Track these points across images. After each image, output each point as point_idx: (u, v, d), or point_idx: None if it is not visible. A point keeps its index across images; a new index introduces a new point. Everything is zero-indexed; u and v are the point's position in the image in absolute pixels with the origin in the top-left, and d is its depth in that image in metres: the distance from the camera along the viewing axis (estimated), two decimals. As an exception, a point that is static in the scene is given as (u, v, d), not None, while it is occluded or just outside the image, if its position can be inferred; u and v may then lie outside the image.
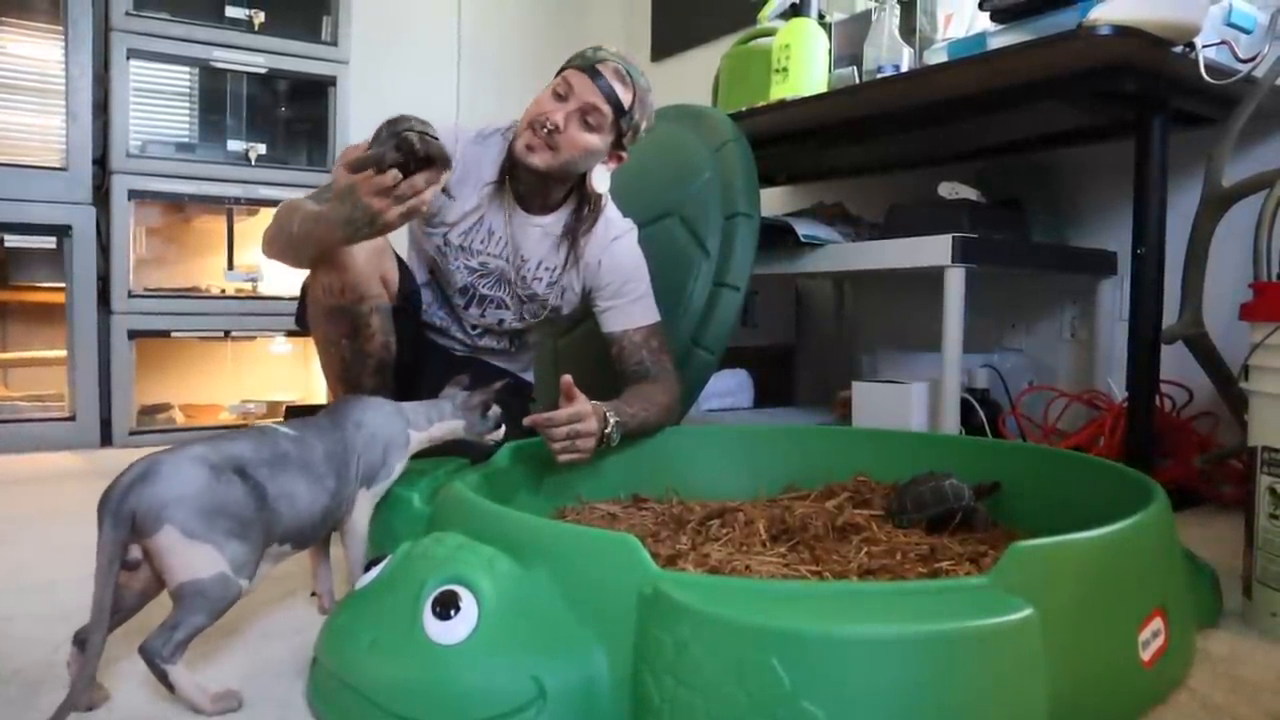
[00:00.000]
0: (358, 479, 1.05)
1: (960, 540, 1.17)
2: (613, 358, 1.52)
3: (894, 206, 1.99)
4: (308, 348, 2.73)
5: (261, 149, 2.66)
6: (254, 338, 2.73)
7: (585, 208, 1.50)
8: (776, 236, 1.97)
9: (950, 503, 1.22)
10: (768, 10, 2.24)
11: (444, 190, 1.40)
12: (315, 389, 2.85)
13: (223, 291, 2.66)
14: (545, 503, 1.37)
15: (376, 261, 1.38)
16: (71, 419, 2.41)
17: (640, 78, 1.43)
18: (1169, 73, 1.56)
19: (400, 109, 1.16)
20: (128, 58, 2.45)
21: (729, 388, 2.47)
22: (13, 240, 2.34)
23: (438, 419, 1.17)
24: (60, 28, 2.36)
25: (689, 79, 3.09)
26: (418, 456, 1.18)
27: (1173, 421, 1.83)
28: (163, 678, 0.81)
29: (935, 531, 1.21)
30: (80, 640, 0.82)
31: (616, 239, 1.53)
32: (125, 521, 0.81)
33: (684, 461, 1.52)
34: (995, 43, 1.63)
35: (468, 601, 0.78)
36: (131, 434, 2.49)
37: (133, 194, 2.47)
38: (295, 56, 2.67)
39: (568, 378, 1.25)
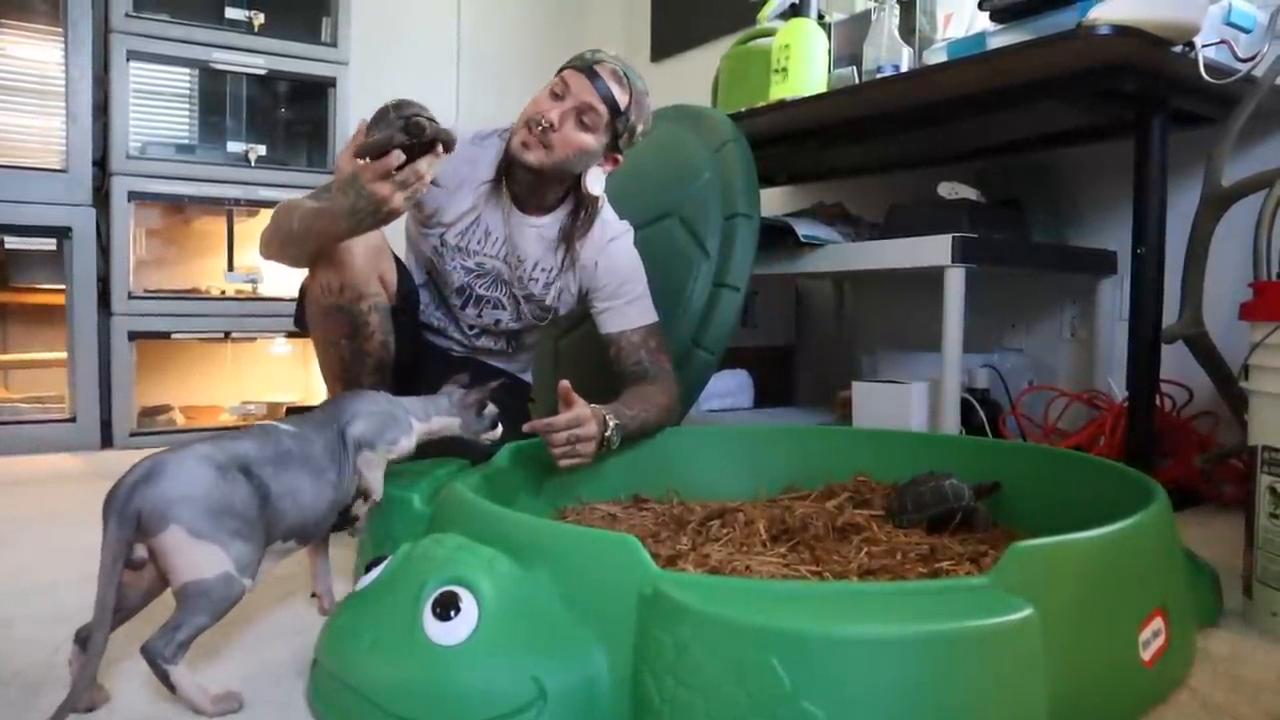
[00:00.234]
0: (355, 471, 1.05)
1: (960, 540, 1.17)
2: (611, 359, 1.52)
3: (894, 206, 1.99)
4: (308, 349, 2.73)
5: (261, 150, 2.66)
6: (254, 339, 2.73)
7: (581, 210, 1.50)
8: (776, 237, 1.97)
9: (950, 503, 1.22)
10: (767, 10, 2.24)
11: (433, 180, 1.41)
12: (315, 390, 2.85)
13: (223, 293, 2.66)
14: (545, 503, 1.37)
15: (375, 261, 1.38)
16: (72, 421, 2.41)
17: (638, 81, 1.43)
18: (1168, 72, 1.56)
19: (399, 109, 1.17)
20: (127, 59, 2.45)
21: (729, 388, 2.47)
22: (13, 242, 2.34)
23: (435, 413, 1.17)
24: (60, 29, 2.36)
25: (688, 79, 3.09)
26: (417, 457, 1.18)
27: (1173, 421, 1.83)
28: (164, 678, 0.81)
29: (935, 531, 1.21)
30: (82, 639, 0.82)
31: (613, 240, 1.53)
32: (130, 521, 0.81)
33: (684, 462, 1.52)
34: (995, 42, 1.63)
35: (468, 602, 0.78)
36: (132, 435, 2.49)
37: (133, 195, 2.47)
38: (295, 58, 2.67)
39: (565, 383, 1.25)
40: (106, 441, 2.47)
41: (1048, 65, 1.59)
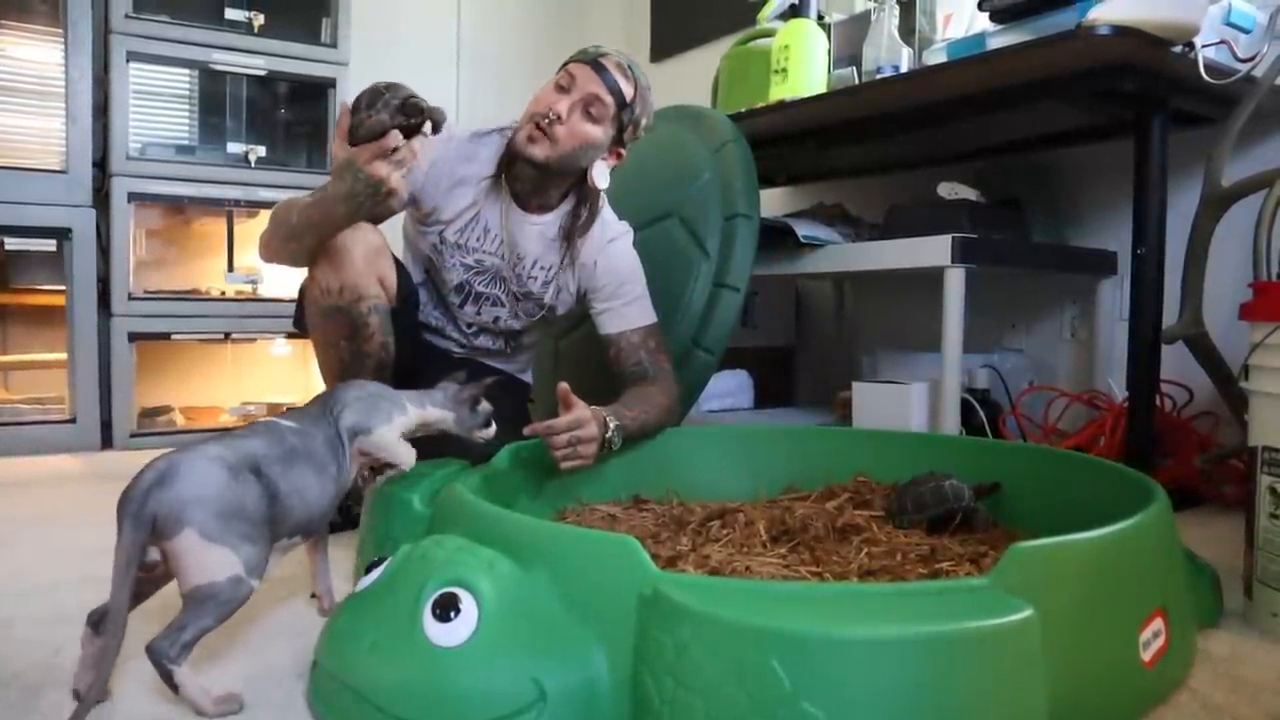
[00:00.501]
0: (352, 443, 1.05)
1: (960, 541, 1.17)
2: (610, 360, 1.52)
3: (894, 207, 1.99)
4: (308, 350, 2.73)
5: (261, 151, 2.66)
6: (254, 340, 2.73)
7: (583, 208, 1.50)
8: (776, 237, 1.97)
9: (950, 503, 1.22)
10: (767, 11, 2.24)
11: (425, 177, 1.46)
12: (315, 391, 2.84)
13: (223, 294, 2.66)
14: (545, 504, 1.37)
15: (374, 262, 1.38)
16: (72, 421, 2.41)
17: (641, 75, 1.44)
18: (1168, 72, 1.56)
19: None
20: (127, 60, 2.45)
21: (729, 388, 2.47)
22: (13, 243, 2.34)
23: (430, 404, 1.17)
24: (60, 30, 2.36)
25: (688, 80, 3.09)
26: (417, 458, 1.18)
27: (1173, 421, 1.83)
28: (168, 678, 0.81)
29: (935, 532, 1.21)
30: (95, 621, 0.83)
31: (613, 240, 1.53)
32: (146, 524, 0.81)
33: (684, 462, 1.52)
34: (994, 43, 1.63)
35: (468, 603, 0.78)
36: (132, 436, 2.49)
37: (132, 196, 2.47)
38: (295, 59, 2.67)
39: (564, 385, 1.25)
40: (106, 442, 2.47)
41: (1047, 65, 1.59)
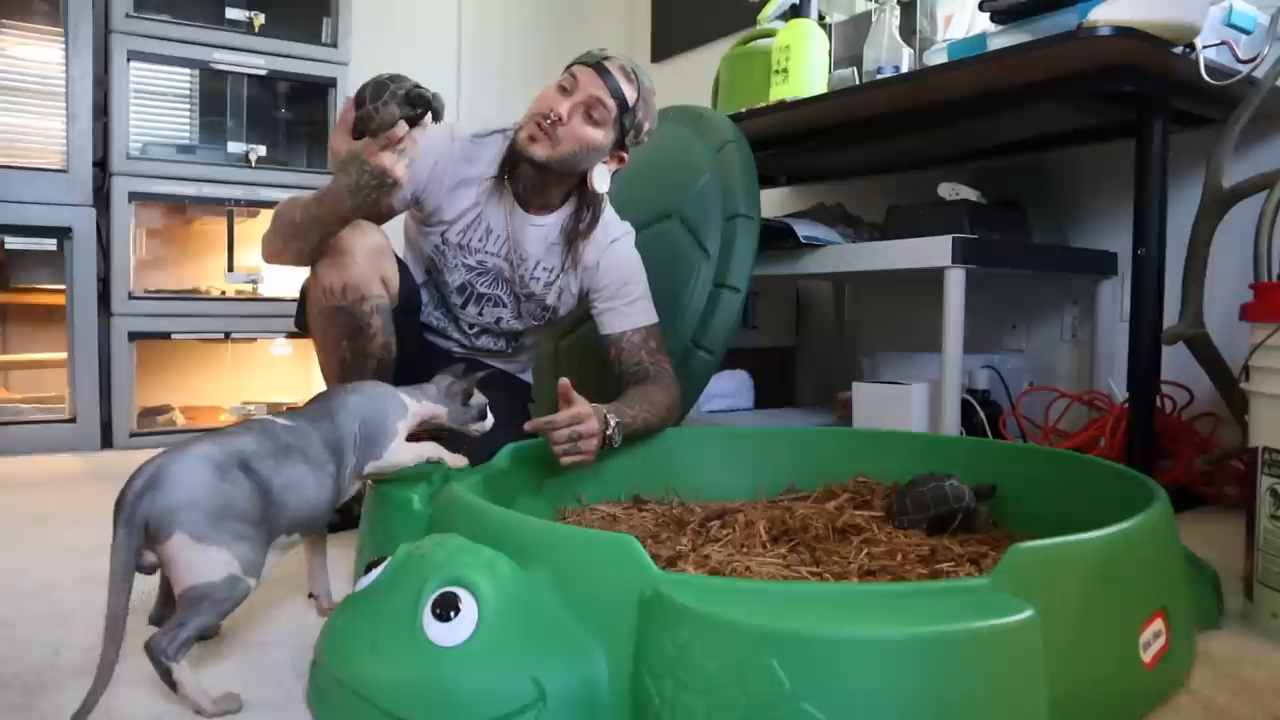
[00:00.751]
0: (355, 459, 1.05)
1: (961, 541, 1.17)
2: (611, 360, 1.52)
3: (894, 207, 1.99)
4: (308, 349, 2.73)
5: (262, 151, 2.66)
6: (254, 339, 2.73)
7: (584, 210, 1.50)
8: (777, 238, 1.97)
9: (951, 504, 1.22)
10: (767, 11, 2.24)
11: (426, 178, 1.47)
12: (315, 391, 2.85)
13: (223, 293, 2.66)
14: (545, 504, 1.37)
15: (377, 262, 1.38)
16: (72, 421, 2.41)
17: (645, 79, 1.44)
18: (1169, 73, 1.56)
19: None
20: (128, 59, 2.45)
21: (729, 389, 2.47)
22: (13, 242, 2.34)
23: (424, 399, 1.17)
24: (60, 30, 2.36)
25: (689, 80, 3.09)
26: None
27: (1174, 422, 1.83)
28: (166, 675, 0.81)
29: (936, 533, 1.21)
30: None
31: (615, 241, 1.53)
32: (138, 529, 0.82)
33: (684, 462, 1.52)
34: (995, 44, 1.63)
35: (468, 603, 0.78)
36: (132, 436, 2.49)
37: (133, 196, 2.47)
38: (295, 58, 2.67)
39: (565, 381, 1.25)
40: (106, 442, 2.47)
41: (1048, 66, 1.59)
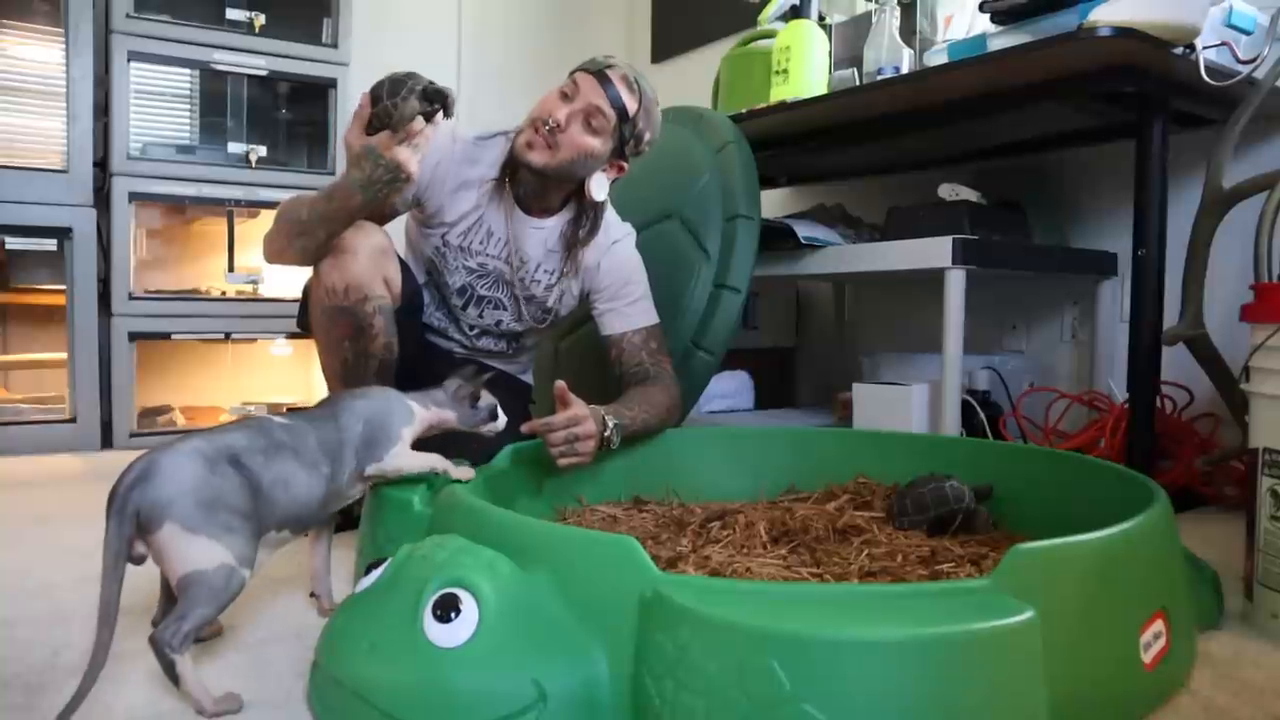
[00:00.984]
0: (356, 461, 1.05)
1: (961, 542, 1.17)
2: (611, 360, 1.52)
3: (894, 208, 1.99)
4: (308, 350, 2.73)
5: (262, 151, 2.66)
6: (255, 340, 2.73)
7: (584, 218, 1.50)
8: (777, 238, 1.97)
9: (951, 505, 1.22)
10: (768, 12, 2.24)
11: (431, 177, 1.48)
12: (316, 391, 2.85)
13: (223, 293, 2.66)
14: (546, 505, 1.37)
15: (379, 262, 1.38)
16: (72, 421, 2.41)
17: (648, 90, 1.43)
18: (1169, 74, 1.56)
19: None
20: (128, 60, 2.45)
21: (729, 390, 2.47)
22: (13, 242, 2.34)
23: (433, 405, 1.17)
24: (61, 30, 2.36)
25: (689, 81, 3.09)
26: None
27: (1174, 423, 1.83)
28: (169, 668, 0.81)
29: (936, 534, 1.21)
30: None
31: (616, 242, 1.53)
32: (130, 520, 0.83)
33: (685, 463, 1.51)
34: (995, 44, 1.63)
35: (468, 604, 0.78)
36: (132, 436, 2.49)
37: (133, 196, 2.47)
38: (296, 59, 2.67)
39: (561, 383, 1.25)
40: (107, 442, 2.47)
41: (1048, 67, 1.59)
